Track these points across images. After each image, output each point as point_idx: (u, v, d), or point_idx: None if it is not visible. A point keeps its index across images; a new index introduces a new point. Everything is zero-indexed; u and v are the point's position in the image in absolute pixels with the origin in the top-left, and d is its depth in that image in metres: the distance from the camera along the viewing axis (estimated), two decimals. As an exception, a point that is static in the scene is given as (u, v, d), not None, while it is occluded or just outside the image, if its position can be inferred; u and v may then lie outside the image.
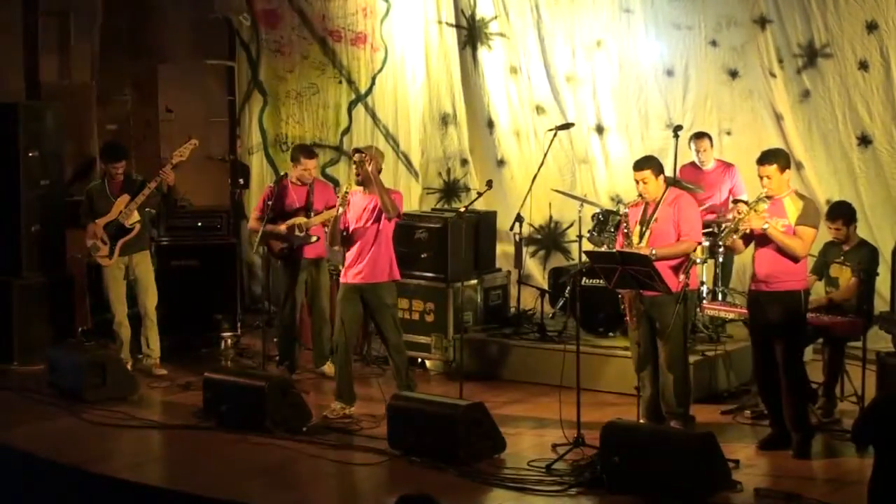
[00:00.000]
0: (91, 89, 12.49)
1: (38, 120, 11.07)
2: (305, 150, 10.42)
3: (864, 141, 10.83)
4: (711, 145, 10.84)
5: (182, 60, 12.77)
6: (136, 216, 10.19)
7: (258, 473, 7.73)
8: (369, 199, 8.91)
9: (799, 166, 11.01)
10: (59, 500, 7.91)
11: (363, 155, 8.93)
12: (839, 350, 8.88)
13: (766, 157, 8.03)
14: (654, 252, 8.13)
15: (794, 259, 7.88)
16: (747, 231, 7.95)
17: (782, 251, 7.85)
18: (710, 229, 9.82)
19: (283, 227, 9.94)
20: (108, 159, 10.38)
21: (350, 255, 9.01)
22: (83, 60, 12.44)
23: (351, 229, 8.95)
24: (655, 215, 8.32)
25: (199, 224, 11.41)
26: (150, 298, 10.37)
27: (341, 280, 9.14)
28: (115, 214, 10.16)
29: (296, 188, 10.05)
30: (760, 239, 7.95)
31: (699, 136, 10.85)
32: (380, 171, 9.02)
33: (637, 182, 8.41)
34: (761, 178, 8.01)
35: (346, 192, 8.94)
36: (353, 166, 8.99)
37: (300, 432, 8.43)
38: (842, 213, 9.02)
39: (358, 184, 8.93)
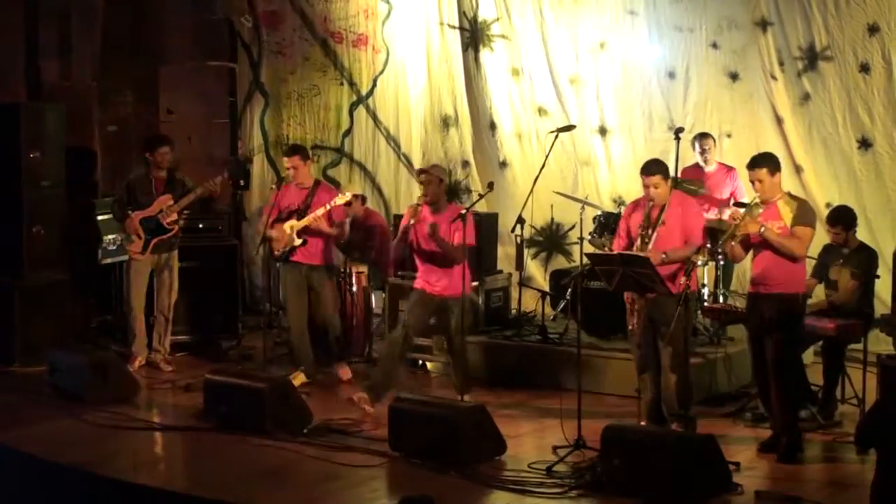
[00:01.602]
0: (92, 90, 12.49)
1: (39, 121, 11.07)
2: (286, 149, 10.63)
3: (865, 144, 10.83)
4: (715, 145, 10.87)
5: (183, 62, 12.77)
6: (175, 217, 10.34)
7: (258, 475, 7.71)
8: (438, 220, 9.00)
9: (799, 169, 11.02)
10: (59, 501, 7.90)
11: (429, 175, 9.11)
12: (839, 353, 8.88)
13: (757, 162, 8.03)
14: (664, 256, 8.13)
15: (794, 260, 7.88)
16: (744, 236, 7.95)
17: (781, 254, 7.85)
18: (712, 226, 9.84)
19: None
20: (154, 145, 10.46)
21: (423, 268, 9.17)
22: (84, 61, 12.44)
23: (422, 246, 9.09)
24: (662, 218, 8.29)
25: (200, 225, 11.40)
26: (172, 297, 10.56)
27: (415, 285, 9.26)
28: (155, 212, 10.30)
29: (297, 190, 10.03)
30: (758, 243, 7.96)
31: (703, 135, 10.88)
32: (446, 188, 9.34)
33: (647, 187, 8.35)
34: (753, 182, 8.03)
35: (418, 206, 9.05)
36: (421, 187, 9.16)
37: (301, 434, 8.42)
38: (841, 217, 9.02)
39: (427, 203, 9.04)
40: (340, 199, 9.76)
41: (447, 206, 9.24)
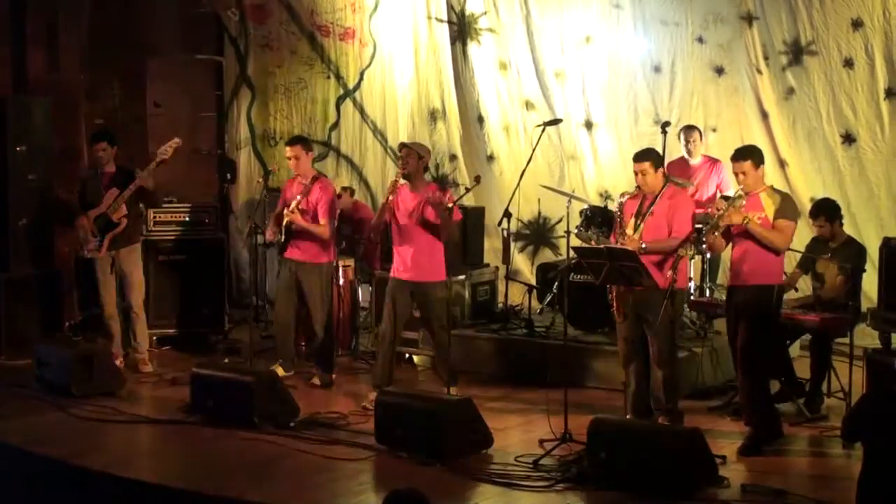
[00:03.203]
0: (79, 84, 12.47)
1: (25, 114, 11.05)
2: (289, 139, 10.51)
3: (849, 139, 10.86)
4: (701, 139, 10.88)
5: (170, 55, 12.74)
6: (123, 210, 10.13)
7: (245, 468, 7.71)
8: (416, 199, 8.96)
9: (783, 164, 11.06)
10: (45, 494, 7.89)
11: (408, 150, 9.05)
12: (826, 347, 8.91)
13: (741, 154, 8.08)
14: (644, 246, 8.15)
15: (775, 252, 7.92)
16: (726, 227, 7.98)
17: (762, 245, 7.89)
18: (699, 226, 9.84)
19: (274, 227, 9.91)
20: (92, 141, 10.39)
21: (398, 250, 9.09)
22: (71, 55, 12.40)
23: (398, 224, 9.03)
24: (652, 209, 8.31)
25: (187, 219, 11.37)
26: (137, 294, 10.32)
27: (391, 274, 9.18)
28: (105, 208, 10.12)
29: (299, 184, 9.89)
30: (739, 235, 7.99)
31: (689, 128, 10.91)
32: (426, 169, 9.22)
33: (636, 174, 8.36)
34: (736, 174, 8.07)
35: (396, 182, 9.02)
36: (400, 161, 9.13)
37: (287, 427, 8.43)
38: (823, 210, 9.06)
39: (404, 177, 9.00)
40: (287, 216, 9.67)
41: (425, 185, 9.13)
